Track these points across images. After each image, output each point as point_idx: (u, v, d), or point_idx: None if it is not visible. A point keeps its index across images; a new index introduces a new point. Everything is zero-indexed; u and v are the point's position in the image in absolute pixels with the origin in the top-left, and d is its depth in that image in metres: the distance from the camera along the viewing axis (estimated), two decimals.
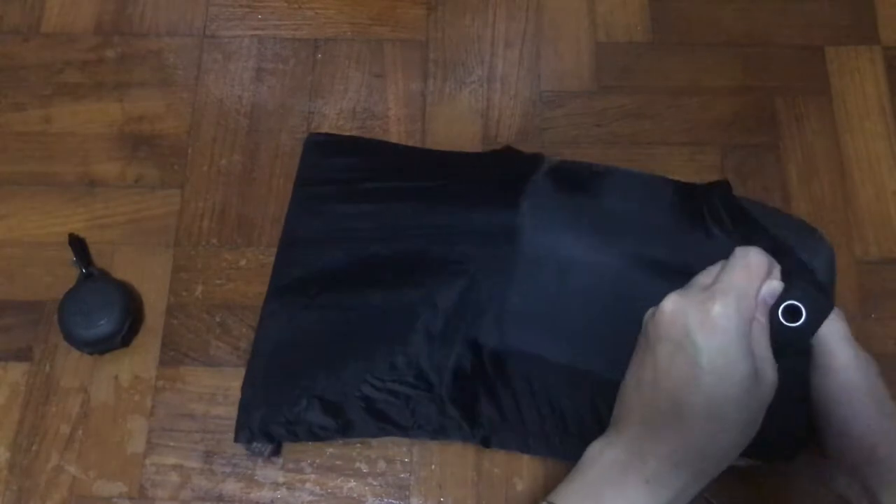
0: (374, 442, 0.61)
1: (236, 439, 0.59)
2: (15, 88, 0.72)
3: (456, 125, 0.70)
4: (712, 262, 0.46)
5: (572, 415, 0.57)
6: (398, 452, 0.61)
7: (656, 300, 0.44)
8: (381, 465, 0.60)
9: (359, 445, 0.61)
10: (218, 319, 0.64)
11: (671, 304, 0.42)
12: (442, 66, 0.73)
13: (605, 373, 0.54)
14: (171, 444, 0.61)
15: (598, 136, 0.70)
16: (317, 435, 0.59)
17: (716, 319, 0.39)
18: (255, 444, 0.59)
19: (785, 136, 0.70)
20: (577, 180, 0.63)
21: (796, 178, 0.69)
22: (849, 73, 0.72)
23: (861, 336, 0.63)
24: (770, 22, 0.74)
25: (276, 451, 0.60)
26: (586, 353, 0.56)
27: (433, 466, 0.60)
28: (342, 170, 0.67)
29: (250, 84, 0.72)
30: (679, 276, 0.46)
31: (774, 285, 0.44)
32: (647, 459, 0.39)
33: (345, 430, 0.58)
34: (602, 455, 0.41)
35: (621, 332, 0.52)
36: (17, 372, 0.63)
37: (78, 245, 0.65)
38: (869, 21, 0.74)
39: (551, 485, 0.59)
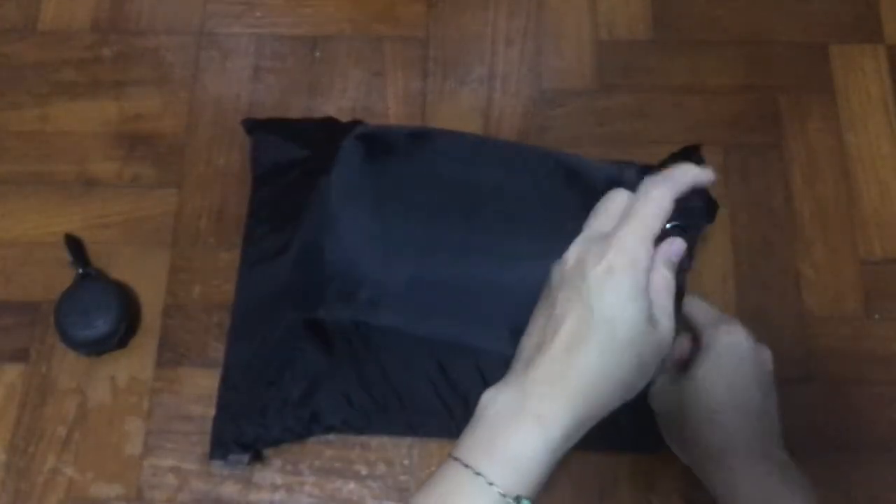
0: (374, 444, 0.60)
1: (212, 457, 0.59)
2: (11, 87, 0.72)
3: (456, 124, 0.69)
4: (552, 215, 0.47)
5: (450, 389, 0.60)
6: (398, 455, 0.60)
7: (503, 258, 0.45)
8: (381, 467, 0.60)
9: (358, 448, 0.60)
10: (216, 320, 0.64)
11: (574, 252, 0.43)
12: (442, 64, 0.72)
13: (463, 339, 0.59)
14: (169, 445, 0.61)
15: (599, 135, 0.70)
16: (292, 430, 0.60)
17: (609, 265, 0.41)
18: (231, 456, 0.59)
19: (788, 135, 0.69)
20: (390, 144, 0.64)
21: (799, 178, 0.68)
22: (852, 72, 0.71)
23: (864, 336, 0.63)
24: (773, 20, 0.74)
25: (257, 457, 0.60)
26: (435, 321, 0.59)
27: (433, 469, 0.59)
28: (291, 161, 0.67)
29: (248, 82, 0.72)
30: (522, 231, 0.46)
31: (679, 244, 0.44)
32: (539, 399, 0.40)
33: (316, 419, 0.60)
34: (495, 400, 0.41)
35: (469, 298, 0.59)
36: (13, 373, 0.62)
37: (74, 245, 0.65)
38: (872, 19, 0.73)
39: (552, 484, 0.59)
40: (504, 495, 0.38)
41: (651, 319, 0.41)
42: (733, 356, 0.51)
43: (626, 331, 0.40)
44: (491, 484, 0.38)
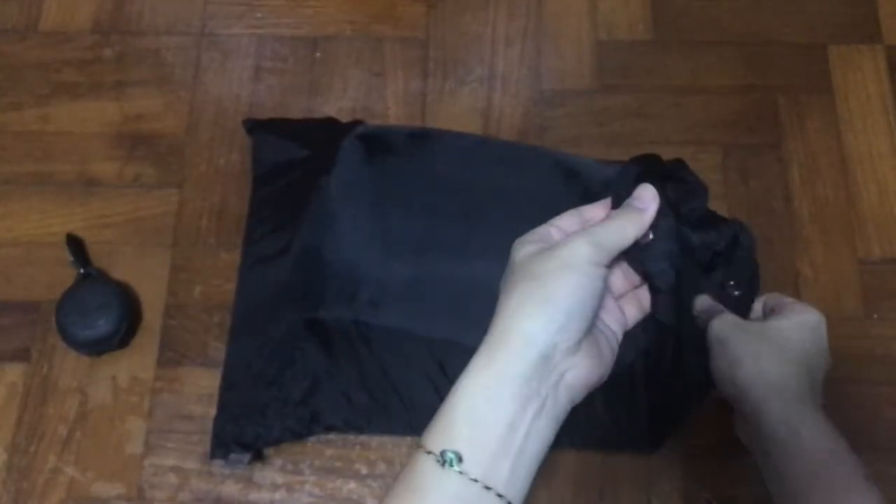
0: (374, 443, 0.60)
1: (212, 456, 0.59)
2: (12, 88, 0.72)
3: (456, 124, 0.70)
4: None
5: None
6: (398, 454, 0.60)
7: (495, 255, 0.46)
8: (381, 466, 0.60)
9: (358, 447, 0.60)
10: (216, 320, 0.64)
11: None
12: (442, 64, 0.73)
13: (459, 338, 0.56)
14: (170, 445, 0.61)
15: (599, 135, 0.70)
16: (292, 429, 0.60)
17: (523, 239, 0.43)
18: (232, 455, 0.59)
19: (787, 135, 0.70)
20: (390, 144, 0.65)
21: (798, 178, 0.68)
22: (851, 72, 0.71)
23: (863, 336, 0.63)
24: (772, 20, 0.74)
25: (257, 457, 0.60)
26: (439, 323, 0.60)
27: None
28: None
29: (249, 83, 0.72)
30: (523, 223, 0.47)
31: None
32: (477, 356, 0.41)
33: (317, 419, 0.60)
34: None
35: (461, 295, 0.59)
36: (14, 373, 0.63)
37: (76, 245, 0.65)
38: (871, 19, 0.73)
39: (552, 484, 0.59)
40: (430, 452, 0.37)
41: (551, 249, 0.41)
42: (812, 327, 0.52)
43: (519, 265, 0.41)
44: (420, 446, 0.38)
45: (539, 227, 0.44)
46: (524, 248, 0.42)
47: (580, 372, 0.41)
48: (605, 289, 0.43)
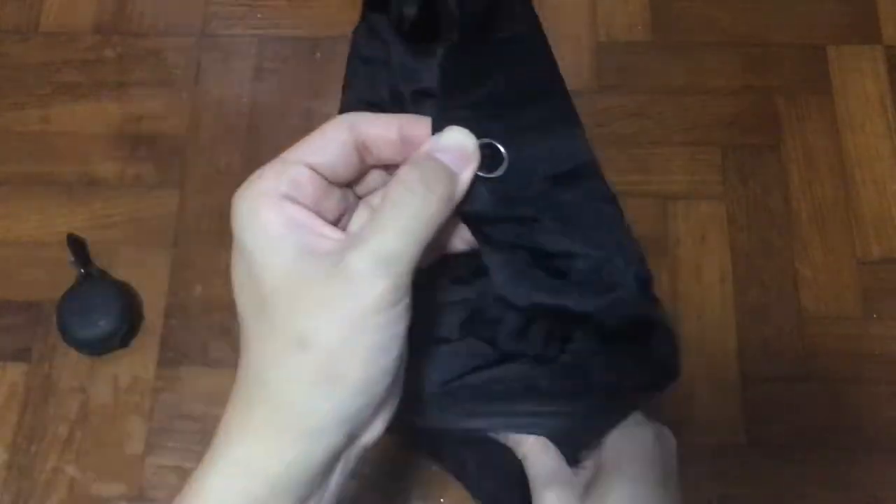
0: None
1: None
2: (14, 88, 0.72)
3: None
4: None
5: None
6: (399, 455, 0.60)
7: None
8: (383, 466, 0.60)
9: None
10: (217, 320, 0.64)
11: None
12: None
13: None
14: (171, 444, 0.61)
15: (598, 135, 0.70)
16: None
17: None
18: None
19: (786, 135, 0.70)
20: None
21: (797, 179, 0.68)
22: (850, 73, 0.72)
23: (862, 336, 0.63)
24: (771, 21, 0.74)
25: None
26: None
27: (434, 468, 0.60)
28: None
29: (250, 83, 0.72)
30: None
31: None
32: None
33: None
34: None
35: None
36: (15, 372, 0.63)
37: (77, 245, 0.65)
38: (870, 20, 0.74)
39: None
40: None
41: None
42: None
43: (271, 299, 0.28)
44: None
45: (267, 180, 0.28)
46: (275, 256, 0.27)
47: (377, 431, 0.30)
48: (409, 323, 0.28)
